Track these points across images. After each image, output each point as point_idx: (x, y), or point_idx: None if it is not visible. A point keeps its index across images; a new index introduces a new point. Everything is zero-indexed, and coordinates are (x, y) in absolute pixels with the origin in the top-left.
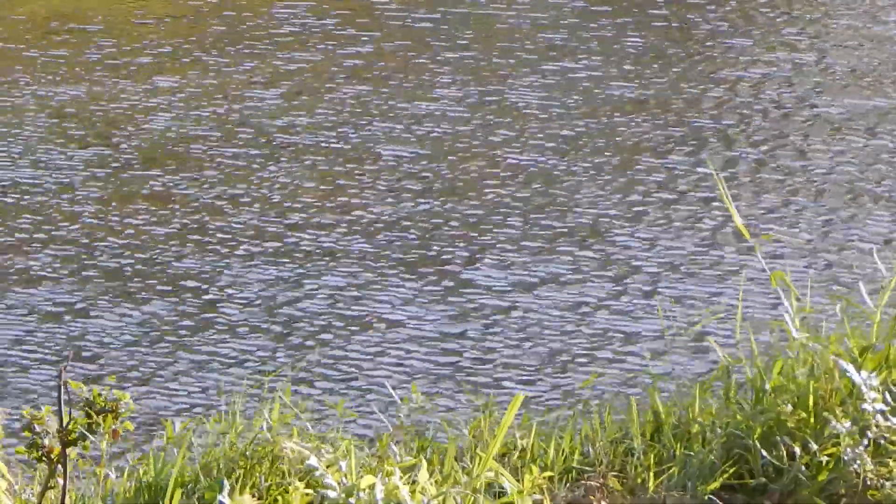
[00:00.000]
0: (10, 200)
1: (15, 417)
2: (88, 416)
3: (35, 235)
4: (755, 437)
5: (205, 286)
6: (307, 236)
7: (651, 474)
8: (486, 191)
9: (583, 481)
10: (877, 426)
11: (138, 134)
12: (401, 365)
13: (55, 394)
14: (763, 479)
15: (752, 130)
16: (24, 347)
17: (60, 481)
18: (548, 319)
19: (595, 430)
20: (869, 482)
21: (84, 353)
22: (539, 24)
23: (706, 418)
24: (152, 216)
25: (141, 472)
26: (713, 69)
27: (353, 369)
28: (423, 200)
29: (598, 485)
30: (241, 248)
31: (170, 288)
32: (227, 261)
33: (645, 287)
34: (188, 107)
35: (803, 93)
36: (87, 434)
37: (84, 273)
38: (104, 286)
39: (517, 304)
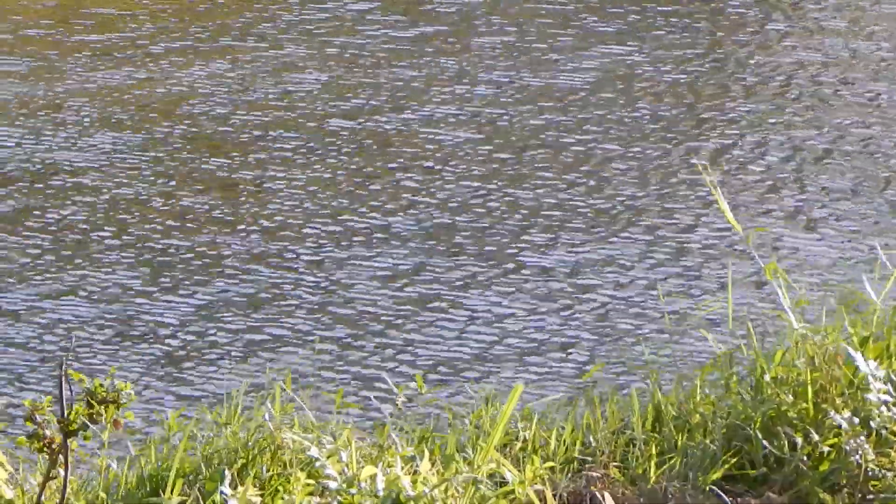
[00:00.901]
0: (57, 182)
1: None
2: (90, 406)
3: (91, 219)
4: (756, 427)
5: (264, 269)
6: (362, 220)
7: (652, 464)
8: (545, 174)
9: (584, 472)
10: (879, 416)
11: (193, 117)
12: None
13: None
14: (764, 470)
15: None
16: (92, 329)
17: (62, 472)
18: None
19: (597, 420)
20: (870, 472)
21: (143, 334)
22: (589, 4)
23: (707, 408)
24: (205, 200)
25: (142, 462)
26: (765, 55)
27: (427, 353)
28: (482, 184)
29: (600, 475)
30: (297, 230)
31: (222, 270)
32: (287, 244)
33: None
34: (237, 90)
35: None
36: (91, 421)
37: (142, 256)
38: (160, 269)
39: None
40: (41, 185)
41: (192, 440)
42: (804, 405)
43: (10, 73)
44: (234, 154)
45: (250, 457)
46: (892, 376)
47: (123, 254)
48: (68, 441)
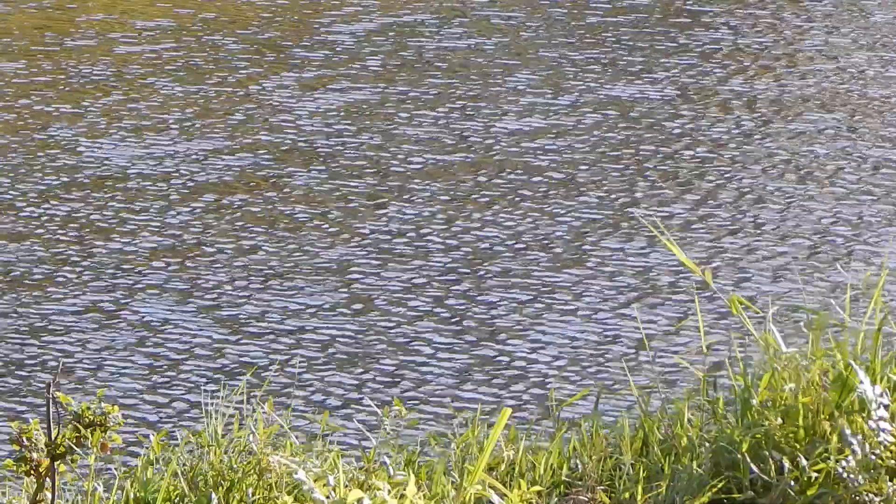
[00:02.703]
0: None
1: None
2: (77, 429)
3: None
4: (743, 450)
5: (328, 276)
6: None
7: (639, 489)
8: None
9: (571, 496)
10: (869, 442)
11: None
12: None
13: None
14: (751, 494)
15: None
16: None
17: (49, 495)
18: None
19: (583, 444)
20: (858, 498)
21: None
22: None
23: (694, 432)
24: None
25: (129, 485)
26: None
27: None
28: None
29: (587, 499)
30: (375, 236)
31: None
32: (359, 251)
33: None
34: (302, 99)
35: None
36: (79, 444)
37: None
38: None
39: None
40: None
41: (178, 463)
42: (792, 429)
43: None
44: (305, 164)
45: (236, 480)
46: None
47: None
48: (55, 464)
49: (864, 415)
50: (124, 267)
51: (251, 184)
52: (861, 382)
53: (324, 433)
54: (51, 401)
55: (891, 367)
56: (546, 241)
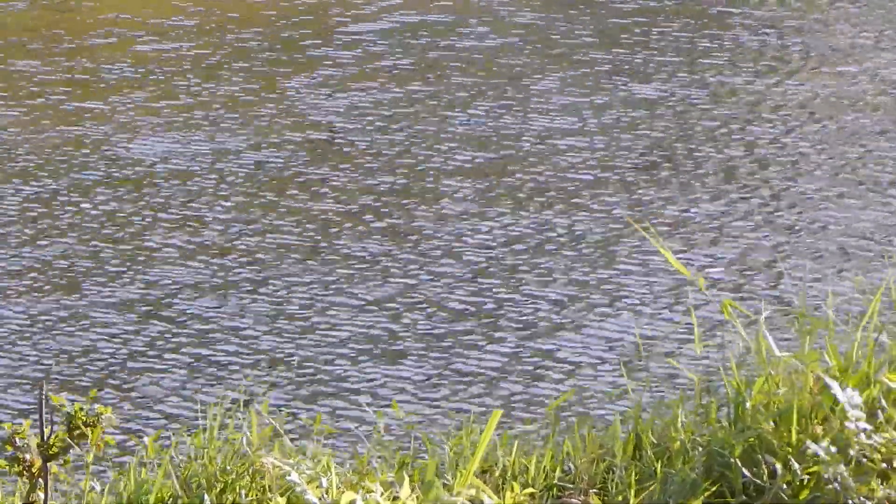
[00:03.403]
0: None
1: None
2: (70, 430)
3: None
4: (736, 454)
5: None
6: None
7: (632, 492)
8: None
9: (564, 498)
10: (858, 444)
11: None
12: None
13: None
14: (744, 498)
15: None
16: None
17: (41, 496)
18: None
19: (576, 446)
20: (850, 501)
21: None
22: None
23: (686, 436)
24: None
25: (121, 486)
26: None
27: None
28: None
29: (580, 502)
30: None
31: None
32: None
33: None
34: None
35: None
36: (72, 444)
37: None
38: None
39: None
40: None
41: (171, 464)
42: (785, 433)
43: None
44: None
45: (229, 481)
46: (875, 404)
47: None
48: (48, 465)
49: (839, 418)
50: (163, 266)
51: (284, 182)
52: (830, 387)
53: (316, 435)
54: (43, 401)
55: (884, 371)
56: (579, 241)
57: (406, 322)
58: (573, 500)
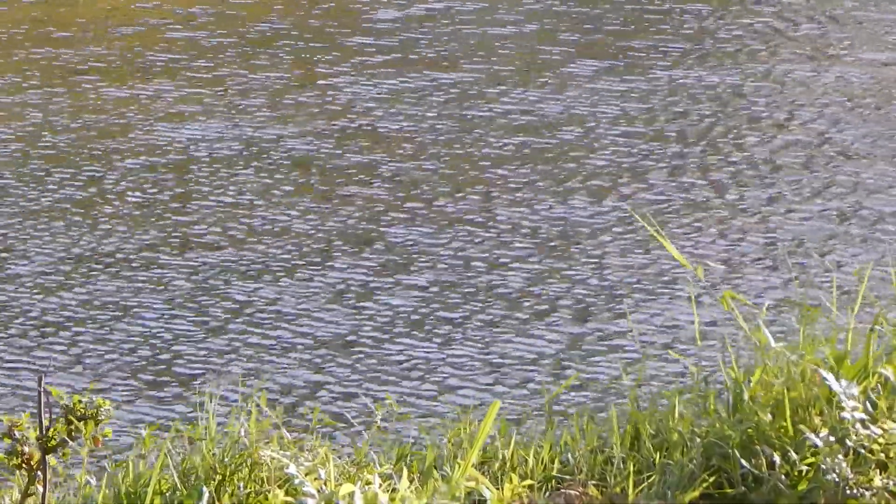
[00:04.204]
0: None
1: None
2: (68, 422)
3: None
4: (734, 445)
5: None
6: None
7: (630, 483)
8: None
9: (563, 490)
10: (856, 435)
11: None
12: None
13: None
14: (742, 489)
15: None
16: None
17: (40, 488)
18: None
19: (575, 438)
20: (849, 491)
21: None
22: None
23: (685, 427)
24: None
25: (120, 478)
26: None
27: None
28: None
29: (578, 493)
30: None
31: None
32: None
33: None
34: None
35: None
36: (68, 440)
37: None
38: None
39: None
40: None
41: (168, 456)
42: (783, 424)
43: None
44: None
45: (227, 473)
46: (872, 395)
47: None
48: (47, 457)
49: (835, 408)
50: (212, 251)
51: (327, 169)
52: (825, 379)
53: (315, 428)
54: (41, 393)
55: (882, 362)
56: (626, 226)
57: (463, 308)
58: (572, 492)
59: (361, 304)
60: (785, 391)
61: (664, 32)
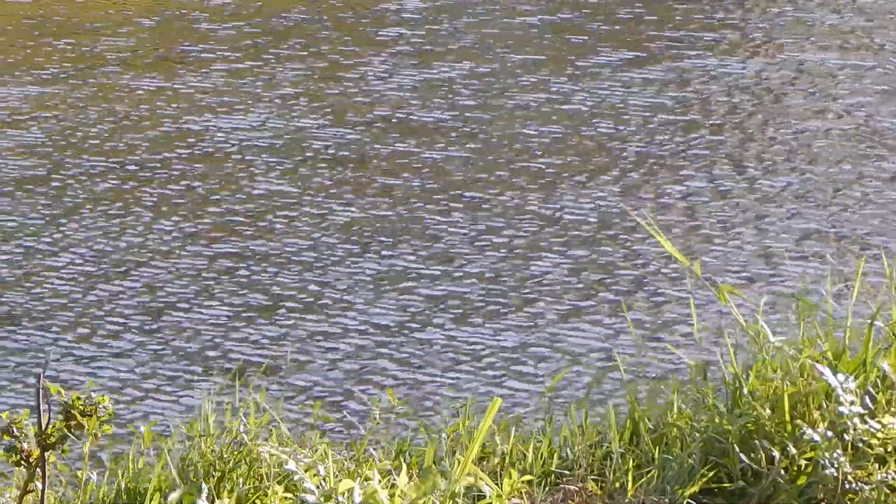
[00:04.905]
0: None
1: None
2: (67, 419)
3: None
4: (733, 440)
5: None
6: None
7: (630, 478)
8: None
9: (562, 485)
10: (854, 429)
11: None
12: None
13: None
14: (742, 483)
15: None
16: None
17: (39, 485)
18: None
19: (574, 433)
20: (847, 486)
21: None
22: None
23: (684, 422)
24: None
25: (120, 475)
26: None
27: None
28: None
29: (577, 489)
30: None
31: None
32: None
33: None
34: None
35: None
36: (69, 434)
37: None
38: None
39: None
40: None
41: (168, 453)
42: (782, 418)
43: None
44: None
45: (227, 470)
46: (870, 389)
47: None
48: (46, 454)
49: (834, 403)
50: (253, 241)
51: (363, 160)
52: (822, 374)
53: (314, 424)
54: (40, 390)
55: (881, 356)
56: (657, 216)
57: (506, 295)
58: (571, 487)
59: (403, 292)
60: (784, 386)
61: (696, 22)
